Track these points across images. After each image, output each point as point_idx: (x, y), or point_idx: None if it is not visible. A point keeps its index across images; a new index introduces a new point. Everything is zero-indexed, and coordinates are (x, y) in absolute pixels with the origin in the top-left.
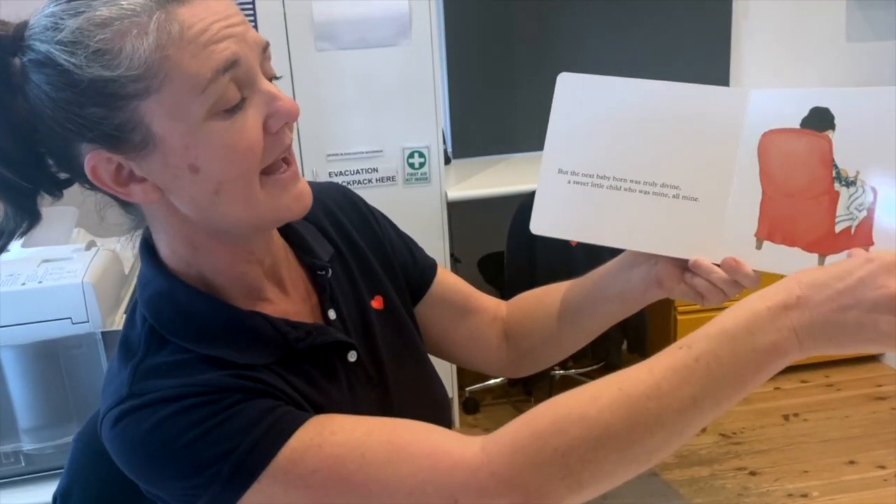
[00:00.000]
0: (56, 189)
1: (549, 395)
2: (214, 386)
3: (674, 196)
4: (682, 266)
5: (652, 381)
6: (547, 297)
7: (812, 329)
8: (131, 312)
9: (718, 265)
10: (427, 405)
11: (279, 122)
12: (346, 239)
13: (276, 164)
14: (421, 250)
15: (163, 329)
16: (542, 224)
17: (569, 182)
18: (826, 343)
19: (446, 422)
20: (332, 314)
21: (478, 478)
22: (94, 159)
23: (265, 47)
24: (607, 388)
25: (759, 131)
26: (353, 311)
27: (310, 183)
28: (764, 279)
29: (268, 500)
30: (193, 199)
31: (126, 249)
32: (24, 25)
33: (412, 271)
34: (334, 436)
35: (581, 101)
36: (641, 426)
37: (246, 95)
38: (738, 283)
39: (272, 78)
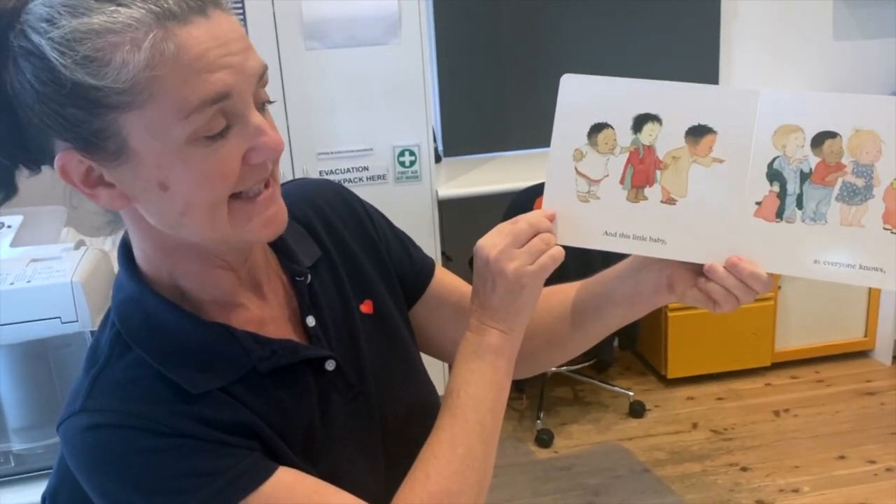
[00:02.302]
0: (34, 164)
1: (542, 392)
2: (174, 429)
3: (685, 199)
4: (695, 270)
5: (446, 437)
6: (551, 299)
7: (492, 315)
8: (106, 315)
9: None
10: (416, 412)
11: (260, 157)
12: (336, 241)
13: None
14: (419, 250)
15: (128, 336)
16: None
17: (578, 188)
18: (509, 311)
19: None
20: (310, 321)
21: None
22: (64, 158)
23: (262, 74)
24: (420, 467)
25: (770, 132)
26: (338, 316)
27: (303, 180)
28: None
29: None
30: (160, 215)
31: (116, 249)
32: (22, 4)
33: (408, 272)
34: None
35: (586, 102)
36: (467, 466)
37: (231, 125)
38: (751, 288)
39: (265, 102)
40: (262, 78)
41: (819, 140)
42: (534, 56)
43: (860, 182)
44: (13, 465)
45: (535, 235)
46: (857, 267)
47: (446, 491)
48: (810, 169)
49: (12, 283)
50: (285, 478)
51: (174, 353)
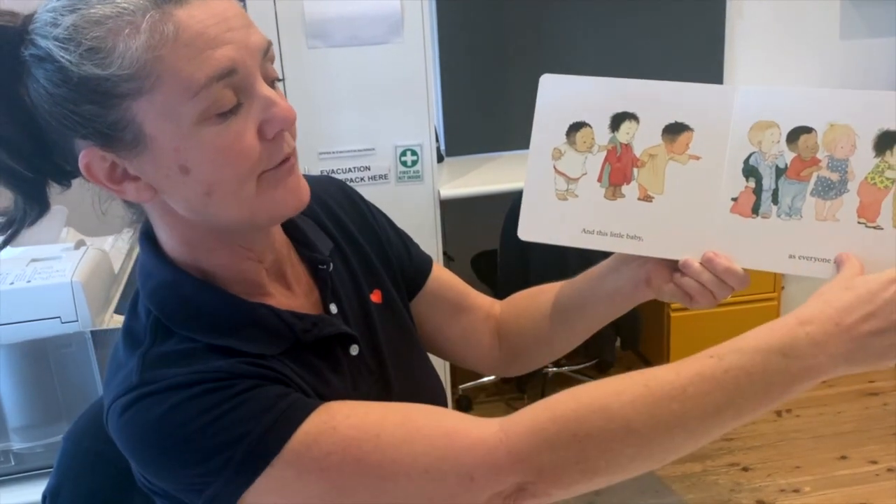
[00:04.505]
0: (64, 178)
1: (542, 392)
2: (226, 372)
3: (662, 197)
4: (672, 266)
5: (678, 384)
6: (539, 297)
7: (849, 352)
8: (133, 304)
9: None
10: (425, 399)
11: (274, 128)
12: (343, 233)
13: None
14: (417, 247)
15: (168, 321)
16: (529, 230)
17: (556, 186)
18: (861, 365)
19: None
20: (333, 308)
21: (495, 455)
22: (87, 156)
23: (267, 49)
24: (632, 384)
25: (746, 128)
26: (355, 305)
27: (306, 177)
28: (756, 279)
29: (281, 485)
30: (186, 200)
31: (116, 248)
32: (31, 17)
33: (408, 267)
34: (348, 419)
35: (565, 102)
36: (662, 426)
37: (241, 101)
38: (727, 284)
39: (274, 80)
40: (267, 53)
41: (794, 135)
42: (536, 55)
43: (835, 176)
44: (13, 463)
45: None
46: (831, 261)
47: (572, 430)
48: (786, 164)
49: (12, 283)
50: (335, 402)
51: (219, 328)
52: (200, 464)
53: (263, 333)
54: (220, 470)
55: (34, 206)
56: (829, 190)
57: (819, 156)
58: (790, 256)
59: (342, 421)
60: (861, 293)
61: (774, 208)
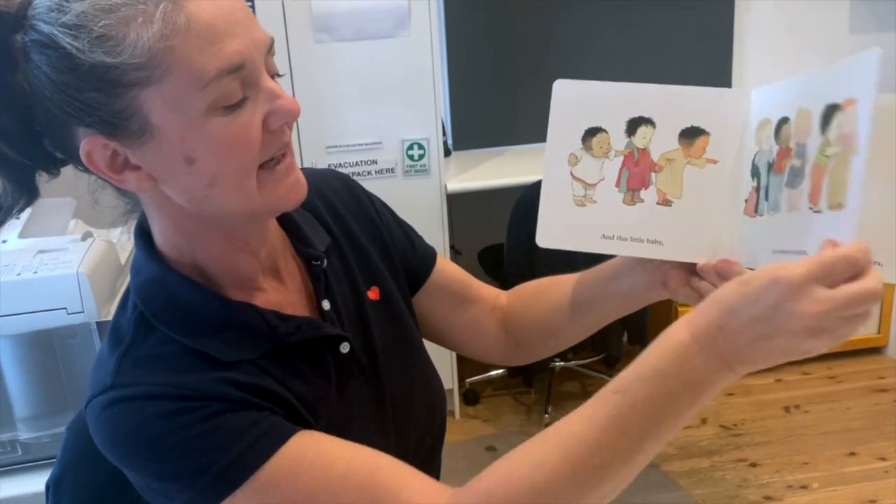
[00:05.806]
0: (53, 167)
1: (549, 386)
2: (200, 392)
3: (680, 201)
4: (688, 269)
5: (592, 437)
6: (547, 289)
7: (740, 356)
8: (124, 298)
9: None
10: (422, 396)
11: (279, 121)
12: (343, 228)
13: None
14: (420, 239)
15: (152, 317)
16: (548, 237)
17: (574, 192)
18: (760, 365)
19: (440, 411)
20: (326, 304)
21: None
22: (89, 144)
23: (270, 45)
24: (551, 450)
25: (753, 129)
26: (349, 302)
27: (308, 170)
28: None
29: None
30: (187, 190)
31: (123, 240)
32: (27, 3)
33: (411, 260)
34: (312, 469)
35: (579, 107)
36: (591, 483)
37: (248, 94)
38: None
39: (275, 75)
40: (270, 49)
41: (779, 127)
42: (544, 49)
43: (798, 163)
44: (20, 453)
45: (853, 277)
46: (804, 253)
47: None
48: (773, 159)
49: (19, 274)
50: (306, 438)
51: (201, 328)
52: (166, 480)
53: (246, 336)
54: (184, 491)
55: (23, 194)
56: (796, 178)
57: (791, 144)
58: (773, 252)
59: (306, 469)
60: (747, 293)
61: (766, 205)
